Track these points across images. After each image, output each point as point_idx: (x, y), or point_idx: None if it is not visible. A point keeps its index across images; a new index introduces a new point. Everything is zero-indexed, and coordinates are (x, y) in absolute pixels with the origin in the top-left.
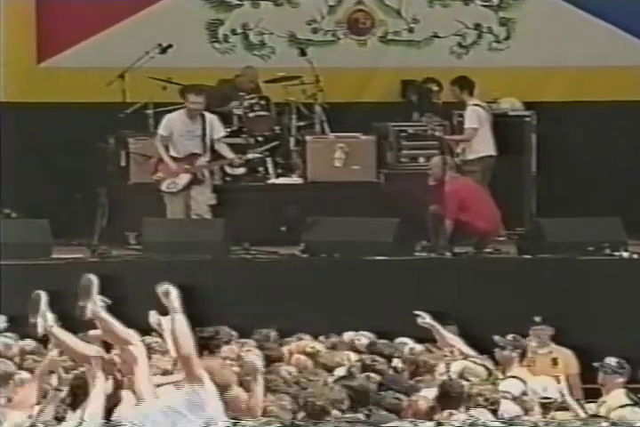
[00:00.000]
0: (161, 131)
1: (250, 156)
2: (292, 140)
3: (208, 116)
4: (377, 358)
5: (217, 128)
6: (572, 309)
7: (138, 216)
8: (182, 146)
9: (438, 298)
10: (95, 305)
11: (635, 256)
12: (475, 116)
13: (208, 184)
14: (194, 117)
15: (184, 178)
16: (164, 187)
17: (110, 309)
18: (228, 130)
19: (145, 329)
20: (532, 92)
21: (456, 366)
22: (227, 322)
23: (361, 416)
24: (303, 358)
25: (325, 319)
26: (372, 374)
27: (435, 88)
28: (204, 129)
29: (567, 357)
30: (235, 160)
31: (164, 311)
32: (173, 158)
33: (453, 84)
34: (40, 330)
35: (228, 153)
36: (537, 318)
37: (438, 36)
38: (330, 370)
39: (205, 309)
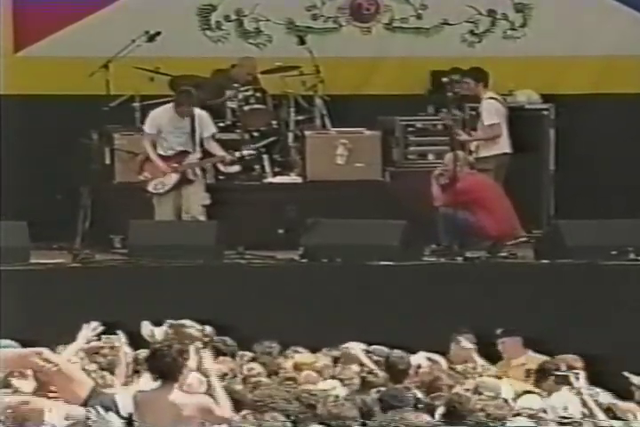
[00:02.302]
0: (147, 129)
1: (244, 153)
2: (290, 136)
3: (198, 112)
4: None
5: (207, 125)
6: (593, 317)
7: (123, 218)
8: (170, 143)
9: (449, 306)
10: None
11: None
12: (493, 110)
13: (201, 183)
14: (182, 113)
15: (172, 178)
16: (150, 188)
17: (94, 317)
18: (222, 124)
19: (132, 338)
20: (550, 83)
21: (471, 383)
22: (218, 331)
23: None
24: (314, 374)
25: (326, 330)
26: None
27: (444, 79)
28: (193, 125)
29: None
30: (226, 158)
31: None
32: (161, 157)
33: (466, 77)
34: None
35: (218, 152)
36: (498, 331)
37: (449, 23)
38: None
39: (197, 317)
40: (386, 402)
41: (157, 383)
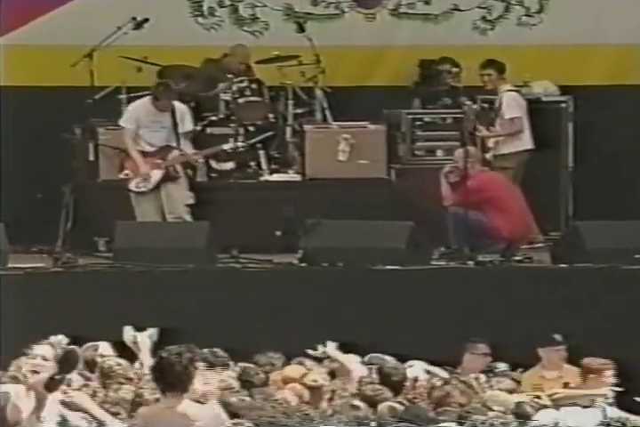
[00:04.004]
0: (124, 123)
1: (225, 146)
2: (288, 131)
3: (177, 105)
4: (378, 387)
5: (186, 121)
6: (615, 326)
7: (108, 219)
8: (150, 138)
9: (459, 314)
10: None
11: None
12: (514, 102)
13: (183, 181)
14: (161, 107)
15: (155, 175)
16: (132, 186)
17: (79, 324)
18: (215, 118)
19: (118, 345)
20: (568, 74)
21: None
22: (212, 342)
23: None
24: (299, 387)
25: (328, 339)
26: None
27: (454, 69)
28: (174, 119)
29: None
30: (207, 153)
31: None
32: (143, 153)
33: (488, 68)
34: None
35: (190, 150)
36: (557, 337)
37: (459, 9)
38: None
39: (187, 326)
40: (408, 421)
41: (163, 396)
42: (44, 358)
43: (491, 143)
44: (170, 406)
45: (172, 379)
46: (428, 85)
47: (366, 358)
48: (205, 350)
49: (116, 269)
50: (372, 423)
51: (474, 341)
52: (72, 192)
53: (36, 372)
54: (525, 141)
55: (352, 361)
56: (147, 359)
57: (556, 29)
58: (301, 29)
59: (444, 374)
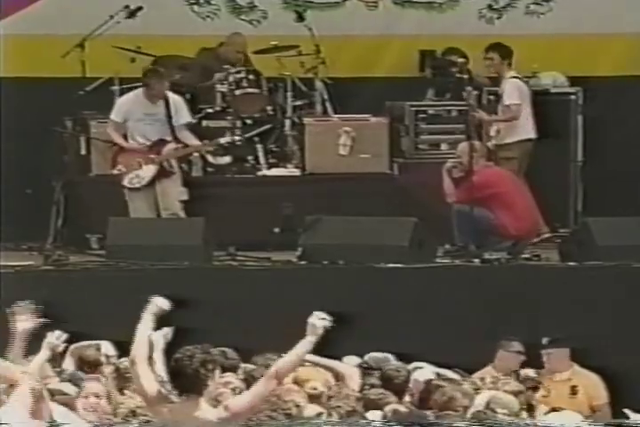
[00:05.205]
0: (113, 116)
1: (222, 140)
2: (287, 123)
3: (172, 96)
4: (381, 391)
5: (182, 112)
6: (626, 326)
7: (101, 215)
8: (142, 132)
9: (464, 313)
10: None
11: None
12: (515, 90)
13: (177, 176)
14: (154, 98)
15: (149, 170)
16: (126, 182)
17: (69, 325)
18: (211, 110)
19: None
20: (578, 64)
21: (482, 398)
22: (209, 342)
23: None
24: (296, 388)
25: (328, 339)
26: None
27: (460, 60)
28: (168, 111)
29: (592, 384)
30: (204, 147)
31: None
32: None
33: (491, 52)
34: None
35: (193, 143)
36: (544, 340)
37: None
38: None
39: (183, 326)
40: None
41: (181, 400)
42: (97, 396)
43: (492, 132)
44: (187, 411)
45: (184, 382)
46: (438, 76)
47: (366, 358)
48: (215, 351)
49: (109, 267)
50: (375, 424)
51: (508, 338)
52: (63, 188)
53: (94, 410)
54: (528, 130)
55: (333, 362)
56: (160, 360)
57: (565, 18)
58: (301, 18)
59: (455, 377)
